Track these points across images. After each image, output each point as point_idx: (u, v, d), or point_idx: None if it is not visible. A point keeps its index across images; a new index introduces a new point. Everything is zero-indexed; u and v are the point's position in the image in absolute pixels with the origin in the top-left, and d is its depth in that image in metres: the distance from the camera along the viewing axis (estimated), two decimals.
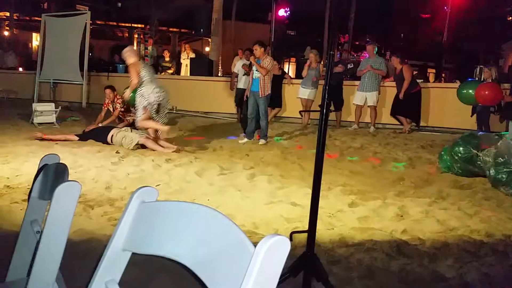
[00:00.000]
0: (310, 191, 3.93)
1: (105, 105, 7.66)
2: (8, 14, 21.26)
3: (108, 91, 7.60)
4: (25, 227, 1.44)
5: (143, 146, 6.03)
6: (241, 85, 9.50)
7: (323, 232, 3.13)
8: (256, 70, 6.87)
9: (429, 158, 6.01)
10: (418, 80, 9.27)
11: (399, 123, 8.81)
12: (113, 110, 7.60)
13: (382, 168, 5.49)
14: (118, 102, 7.52)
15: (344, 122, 9.28)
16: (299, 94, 9.30)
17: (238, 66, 9.83)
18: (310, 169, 5.08)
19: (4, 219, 3.12)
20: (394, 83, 8.74)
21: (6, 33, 21.59)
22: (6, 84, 12.70)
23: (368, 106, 8.86)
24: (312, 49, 9.75)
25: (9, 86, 12.68)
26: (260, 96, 6.84)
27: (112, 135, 6.19)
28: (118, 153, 5.61)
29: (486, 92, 7.33)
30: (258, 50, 6.85)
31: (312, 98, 9.17)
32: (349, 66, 9.93)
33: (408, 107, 8.48)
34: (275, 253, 0.74)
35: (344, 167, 5.37)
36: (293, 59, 21.00)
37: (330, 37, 2.34)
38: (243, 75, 9.45)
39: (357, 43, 21.29)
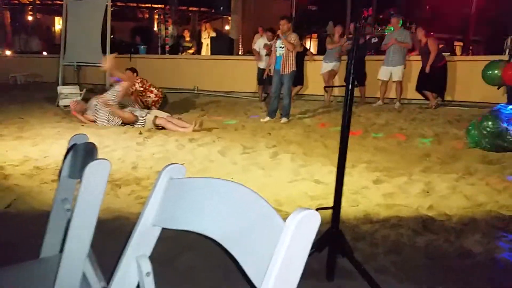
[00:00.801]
0: (333, 168, 3.92)
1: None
2: None
3: (128, 73, 7.50)
4: (56, 206, 1.48)
5: (163, 128, 6.09)
6: (262, 65, 9.42)
7: (347, 209, 3.12)
8: (280, 47, 6.72)
9: (456, 134, 5.87)
10: (444, 54, 8.98)
11: (424, 98, 8.59)
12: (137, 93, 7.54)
13: (408, 144, 5.39)
14: (137, 82, 7.43)
15: (369, 99, 9.11)
16: (322, 70, 9.15)
17: (259, 43, 9.71)
18: (333, 147, 5.05)
19: (35, 198, 3.22)
20: (419, 57, 8.50)
21: (30, 17, 21.92)
22: (31, 68, 12.98)
23: (393, 81, 8.65)
24: (335, 24, 9.51)
25: (35, 70, 12.95)
26: (284, 72, 6.72)
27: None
28: (141, 134, 5.69)
29: None
30: (285, 25, 6.70)
31: (336, 69, 9.03)
32: (373, 40, 9.67)
33: (434, 81, 8.25)
34: (305, 227, 0.73)
35: (368, 144, 5.30)
36: (314, 35, 20.57)
37: (355, 10, 2.26)
38: (265, 55, 9.35)
39: (381, 16, 20.66)
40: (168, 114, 6.43)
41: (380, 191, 3.58)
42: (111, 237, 2.57)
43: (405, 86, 8.88)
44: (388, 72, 8.58)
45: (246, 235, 0.82)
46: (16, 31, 21.43)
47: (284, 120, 6.84)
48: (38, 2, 21.65)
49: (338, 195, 2.21)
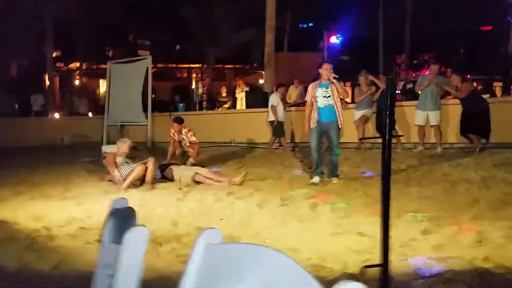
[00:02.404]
0: (377, 219, 3.75)
1: (170, 137, 7.59)
2: (78, 64, 23.20)
3: (174, 124, 7.55)
4: (99, 271, 1.48)
5: (199, 183, 6.16)
6: (281, 117, 9.61)
7: (396, 263, 2.95)
8: (325, 96, 5.79)
9: (505, 177, 5.57)
10: (485, 96, 8.76)
11: (467, 142, 8.30)
12: (179, 141, 7.51)
13: (454, 190, 5.14)
14: (188, 134, 7.43)
15: (406, 144, 8.89)
16: (355, 118, 9.09)
17: (276, 100, 9.83)
18: (375, 195, 4.88)
19: (80, 259, 3.26)
20: (457, 101, 8.33)
21: (77, 81, 23.50)
22: (77, 129, 13.70)
23: (431, 126, 8.44)
24: (367, 72, 9.51)
25: (80, 131, 13.65)
26: (339, 126, 5.85)
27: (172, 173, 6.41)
28: (181, 189, 5.77)
29: None
30: (329, 69, 5.81)
31: (368, 115, 8.96)
32: (408, 86, 9.61)
33: (478, 124, 7.99)
34: None
35: (412, 192, 5.10)
36: (348, 84, 20.78)
37: (385, 60, 2.27)
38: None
39: (415, 62, 20.67)
40: (207, 170, 6.51)
41: (429, 242, 3.39)
42: None
43: (445, 130, 8.64)
44: (425, 116, 8.40)
45: None
46: (64, 95, 22.97)
47: (334, 180, 5.86)
48: (84, 67, 23.25)
49: (385, 250, 2.10)
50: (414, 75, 15.90)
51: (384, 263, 2.08)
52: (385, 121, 2.07)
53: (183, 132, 7.47)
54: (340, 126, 5.85)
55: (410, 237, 3.51)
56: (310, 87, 6.02)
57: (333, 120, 5.82)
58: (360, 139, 8.79)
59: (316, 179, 5.90)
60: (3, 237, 3.82)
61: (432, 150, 8.38)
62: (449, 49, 21.83)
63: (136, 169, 5.99)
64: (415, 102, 9.03)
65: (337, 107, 5.80)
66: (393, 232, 3.20)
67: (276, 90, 10.03)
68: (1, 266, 3.14)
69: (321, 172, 5.98)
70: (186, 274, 1.00)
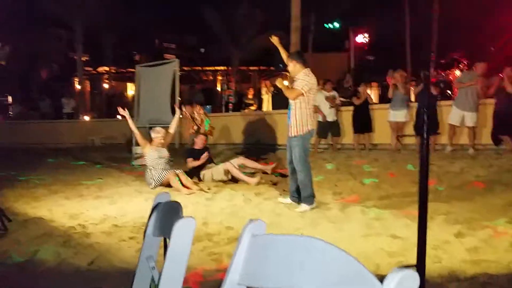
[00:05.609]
0: (409, 221, 3.76)
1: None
2: (106, 68, 23.74)
3: (187, 107, 8.34)
4: (141, 263, 1.53)
5: (229, 173, 6.32)
6: (330, 118, 9.49)
7: (430, 266, 2.90)
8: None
9: None
10: None
11: (494, 144, 8.02)
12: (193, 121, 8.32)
13: (488, 193, 5.02)
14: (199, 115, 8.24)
15: (435, 146, 8.70)
16: (390, 118, 8.94)
17: (318, 99, 9.72)
18: (406, 198, 4.84)
19: (115, 256, 3.35)
20: (492, 100, 8.09)
21: (106, 85, 24.05)
22: (107, 131, 14.01)
23: (467, 127, 8.21)
24: (394, 71, 9.34)
25: (110, 132, 13.96)
26: (293, 134, 4.67)
27: (204, 174, 6.51)
28: (210, 189, 5.84)
29: None
30: (292, 65, 4.70)
31: (405, 119, 8.81)
32: (441, 85, 9.46)
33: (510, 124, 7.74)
34: None
35: (445, 194, 5.01)
36: (374, 84, 20.47)
37: (425, 56, 2.25)
38: (330, 108, 9.45)
39: (442, 61, 20.21)
40: (236, 159, 6.75)
41: (463, 245, 3.32)
42: None
43: (479, 130, 8.40)
44: (461, 116, 8.15)
45: None
46: (94, 98, 23.55)
47: (303, 208, 4.63)
48: (113, 70, 23.77)
49: (421, 252, 2.08)
50: (443, 74, 15.54)
51: (420, 264, 2.06)
52: (423, 118, 2.06)
53: (195, 112, 8.36)
54: (293, 135, 4.66)
55: (443, 239, 3.45)
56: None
57: (288, 124, 4.76)
58: (398, 136, 8.67)
59: (286, 200, 4.95)
60: (41, 233, 3.95)
61: (462, 151, 8.18)
62: (478, 48, 21.22)
63: (168, 178, 5.98)
64: (446, 102, 8.84)
65: (294, 110, 4.64)
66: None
67: (323, 87, 9.49)
68: (40, 261, 3.26)
69: (292, 196, 4.90)
70: (233, 265, 1.03)
